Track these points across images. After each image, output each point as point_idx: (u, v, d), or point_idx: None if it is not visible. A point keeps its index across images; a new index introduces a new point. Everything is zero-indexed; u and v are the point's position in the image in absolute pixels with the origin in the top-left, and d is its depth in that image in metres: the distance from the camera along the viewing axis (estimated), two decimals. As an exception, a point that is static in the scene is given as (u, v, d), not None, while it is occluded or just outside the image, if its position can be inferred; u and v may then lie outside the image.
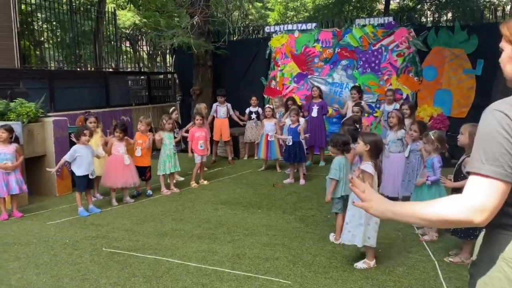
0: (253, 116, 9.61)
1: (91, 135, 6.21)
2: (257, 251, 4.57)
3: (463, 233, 4.17)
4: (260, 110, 9.62)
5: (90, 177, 6.09)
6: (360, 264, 4.17)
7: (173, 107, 8.27)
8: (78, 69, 13.54)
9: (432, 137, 4.77)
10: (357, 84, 9.55)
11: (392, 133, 6.15)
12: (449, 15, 12.43)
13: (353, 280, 3.89)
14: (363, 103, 8.39)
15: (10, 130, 5.95)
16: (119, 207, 6.39)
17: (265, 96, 10.79)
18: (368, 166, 4.01)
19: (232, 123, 9.78)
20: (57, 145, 7.00)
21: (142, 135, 7.00)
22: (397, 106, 7.99)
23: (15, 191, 5.91)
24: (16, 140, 6.08)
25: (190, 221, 5.64)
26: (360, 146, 4.12)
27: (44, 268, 4.27)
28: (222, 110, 9.51)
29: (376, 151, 4.07)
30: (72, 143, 6.35)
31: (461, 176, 4.14)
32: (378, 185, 4.22)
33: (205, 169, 8.55)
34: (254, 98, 9.70)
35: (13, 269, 4.25)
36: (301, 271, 4.08)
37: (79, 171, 6.03)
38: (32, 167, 6.86)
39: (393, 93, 8.53)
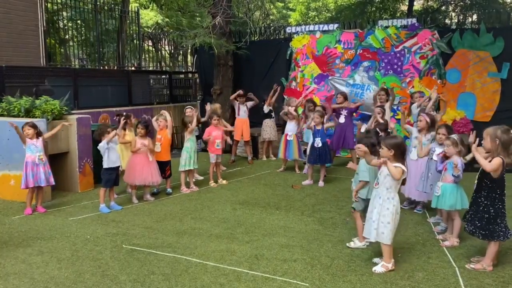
0: (273, 114, 9.64)
1: (112, 130, 6.33)
2: (275, 252, 4.58)
3: (483, 232, 4.10)
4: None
5: (121, 169, 6.25)
6: (378, 268, 4.13)
7: (188, 107, 8.33)
8: (102, 68, 13.75)
9: (457, 140, 4.73)
10: (385, 86, 9.32)
11: (420, 136, 6.05)
12: (474, 17, 12.18)
13: (372, 285, 3.86)
14: (387, 105, 8.20)
15: (34, 126, 6.08)
16: (139, 204, 6.48)
17: (285, 96, 10.78)
18: (399, 165, 4.08)
19: (252, 123, 9.82)
20: (80, 142, 7.13)
21: (161, 130, 7.08)
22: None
23: (42, 183, 6.04)
24: (40, 133, 6.18)
25: (209, 220, 5.68)
26: (384, 152, 4.13)
27: (65, 263, 4.36)
28: (242, 109, 9.54)
29: (400, 153, 4.12)
30: (95, 142, 6.49)
31: (487, 177, 4.07)
32: (403, 184, 4.24)
33: (224, 168, 8.60)
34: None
35: (36, 263, 4.35)
36: (319, 274, 4.07)
37: (106, 163, 6.14)
38: (55, 163, 6.99)
39: (420, 95, 8.38)
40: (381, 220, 4.11)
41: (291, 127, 8.47)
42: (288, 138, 8.44)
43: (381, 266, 4.14)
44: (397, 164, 4.06)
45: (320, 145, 7.48)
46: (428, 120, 5.92)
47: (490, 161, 4.01)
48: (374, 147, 4.66)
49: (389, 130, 6.45)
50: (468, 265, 4.20)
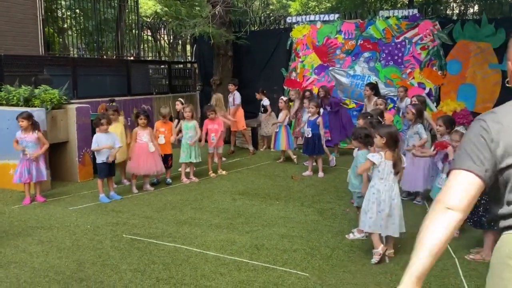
0: (267, 107, 9.59)
1: (109, 122, 6.26)
2: (275, 243, 4.58)
3: (484, 222, 4.10)
4: (266, 102, 9.61)
5: (105, 160, 6.14)
6: (375, 259, 4.14)
7: (178, 99, 8.26)
8: (100, 57, 13.68)
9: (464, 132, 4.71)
10: (373, 81, 9.29)
11: (410, 128, 6.06)
12: (476, 7, 12.12)
13: (371, 275, 3.87)
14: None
15: (28, 117, 5.91)
16: (139, 194, 6.48)
17: (285, 87, 10.73)
18: (373, 155, 4.13)
19: (249, 115, 9.79)
20: (79, 132, 7.11)
21: (164, 123, 7.08)
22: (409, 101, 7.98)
23: (34, 179, 6.00)
24: (37, 126, 6.05)
25: (209, 211, 5.68)
26: (377, 140, 4.18)
27: (66, 252, 4.36)
28: (230, 99, 9.49)
29: (392, 142, 4.14)
30: (94, 131, 6.46)
31: None
32: (396, 174, 4.25)
33: (224, 159, 8.58)
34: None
35: (37, 253, 4.35)
36: (319, 264, 4.08)
37: (99, 158, 6.12)
38: (54, 153, 6.99)
39: (404, 90, 8.39)
40: (363, 208, 4.20)
41: (280, 118, 8.47)
42: (275, 129, 8.49)
43: (374, 255, 4.17)
44: (369, 156, 4.15)
45: (309, 135, 7.46)
46: (414, 111, 5.93)
47: None
48: (368, 138, 4.68)
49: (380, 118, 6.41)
50: (468, 256, 4.21)
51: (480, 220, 4.16)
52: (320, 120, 7.50)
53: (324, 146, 7.86)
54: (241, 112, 9.52)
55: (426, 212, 5.30)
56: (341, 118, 8.92)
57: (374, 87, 8.54)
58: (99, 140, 6.10)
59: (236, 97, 9.47)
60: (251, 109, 10.13)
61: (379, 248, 4.13)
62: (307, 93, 8.71)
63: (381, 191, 4.12)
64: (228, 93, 10.08)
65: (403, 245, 4.51)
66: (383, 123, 5.67)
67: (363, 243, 4.57)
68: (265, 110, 9.56)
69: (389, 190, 4.14)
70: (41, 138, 6.06)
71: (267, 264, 4.07)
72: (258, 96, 9.60)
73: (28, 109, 6.39)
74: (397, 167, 4.17)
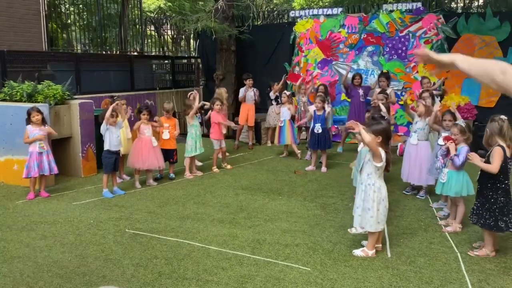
0: (279, 100, 9.54)
1: (117, 116, 6.30)
2: (277, 237, 4.59)
3: (492, 224, 4.07)
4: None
5: (115, 150, 6.24)
6: (358, 252, 4.17)
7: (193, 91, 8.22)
8: (104, 52, 13.68)
9: (464, 126, 4.68)
10: (384, 70, 9.31)
11: (420, 121, 6.03)
12: (480, 1, 12.03)
13: (373, 269, 3.87)
14: (389, 90, 8.19)
15: (41, 111, 6.07)
16: (142, 189, 6.49)
17: (288, 82, 10.71)
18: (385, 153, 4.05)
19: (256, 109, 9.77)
20: (83, 127, 7.12)
21: (167, 118, 7.10)
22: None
23: (46, 172, 6.06)
24: (45, 120, 6.18)
25: (211, 205, 5.69)
26: (372, 140, 4.05)
27: (69, 247, 4.39)
28: (250, 94, 9.47)
29: (386, 138, 4.10)
30: (98, 126, 6.48)
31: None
32: (386, 171, 4.24)
33: (227, 154, 8.58)
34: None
35: (40, 247, 4.38)
36: (321, 259, 4.09)
37: (106, 145, 6.17)
38: (58, 148, 7.00)
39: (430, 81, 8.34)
40: (363, 206, 4.13)
41: (283, 112, 8.44)
42: (279, 124, 8.47)
43: (361, 251, 4.17)
44: (383, 152, 4.02)
45: (320, 131, 7.43)
46: (425, 104, 5.90)
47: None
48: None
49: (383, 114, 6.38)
50: (471, 252, 4.17)
51: (484, 219, 4.13)
52: (328, 114, 7.55)
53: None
54: (253, 108, 9.51)
55: (429, 207, 5.32)
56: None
57: (388, 77, 8.55)
58: (104, 129, 6.17)
59: (256, 91, 9.49)
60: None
61: (371, 252, 4.14)
62: (321, 87, 8.63)
63: (381, 188, 4.11)
64: (232, 88, 10.07)
65: (404, 240, 4.52)
66: (386, 117, 5.65)
67: (364, 238, 4.55)
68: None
69: (385, 186, 4.16)
70: (51, 131, 6.24)
71: (269, 259, 4.07)
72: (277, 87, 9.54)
73: (32, 105, 6.43)
74: (389, 164, 4.16)
